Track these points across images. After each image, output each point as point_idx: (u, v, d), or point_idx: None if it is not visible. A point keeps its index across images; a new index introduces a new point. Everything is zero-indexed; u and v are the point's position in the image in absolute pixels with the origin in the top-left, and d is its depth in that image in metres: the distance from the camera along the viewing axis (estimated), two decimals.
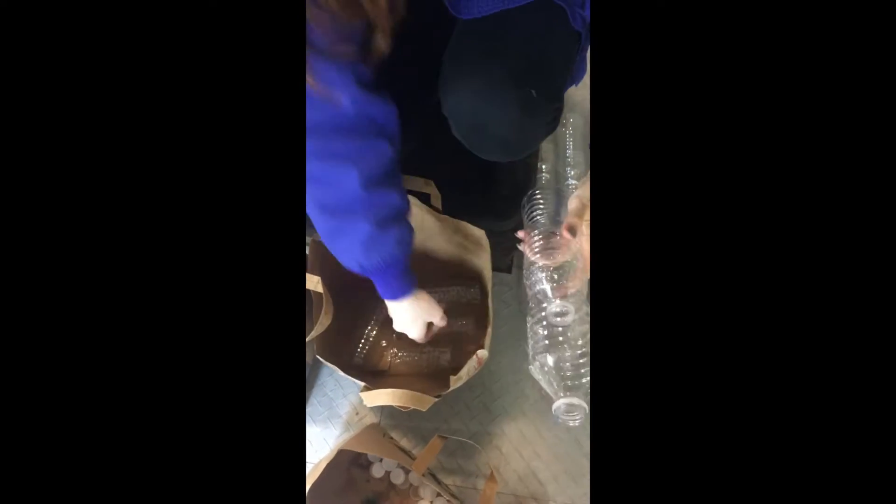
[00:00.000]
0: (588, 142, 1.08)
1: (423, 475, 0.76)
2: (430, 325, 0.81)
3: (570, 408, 0.51)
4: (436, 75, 0.67)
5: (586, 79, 0.82)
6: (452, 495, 0.89)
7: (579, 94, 1.08)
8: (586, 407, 0.50)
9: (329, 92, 0.54)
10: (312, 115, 0.55)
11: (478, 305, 0.97)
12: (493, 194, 1.02)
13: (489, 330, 0.79)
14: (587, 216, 0.60)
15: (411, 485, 0.92)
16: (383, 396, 0.71)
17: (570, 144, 1.07)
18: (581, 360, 0.56)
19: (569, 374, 0.55)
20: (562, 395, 0.52)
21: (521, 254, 1.03)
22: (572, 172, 1.05)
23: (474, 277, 0.90)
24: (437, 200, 0.85)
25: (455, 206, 0.80)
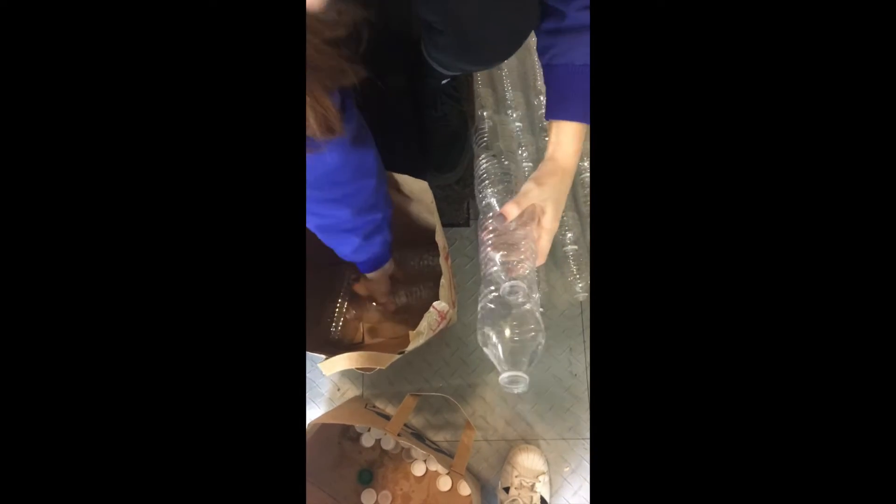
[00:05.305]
0: (527, 82, 1.06)
1: (400, 435, 0.77)
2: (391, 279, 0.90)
3: (514, 379, 0.57)
4: None
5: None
6: (441, 451, 0.89)
7: None
8: (527, 378, 0.57)
9: (315, 150, 0.55)
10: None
11: (438, 267, 0.96)
12: (429, 145, 1.01)
13: (442, 281, 0.79)
14: (549, 213, 0.64)
15: (402, 448, 0.93)
16: (340, 362, 0.71)
17: (508, 86, 1.05)
18: (529, 336, 0.59)
19: (515, 349, 0.59)
20: (506, 368, 0.58)
21: (475, 205, 1.02)
22: (514, 115, 1.03)
23: (428, 239, 0.89)
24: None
25: (394, 162, 0.80)
